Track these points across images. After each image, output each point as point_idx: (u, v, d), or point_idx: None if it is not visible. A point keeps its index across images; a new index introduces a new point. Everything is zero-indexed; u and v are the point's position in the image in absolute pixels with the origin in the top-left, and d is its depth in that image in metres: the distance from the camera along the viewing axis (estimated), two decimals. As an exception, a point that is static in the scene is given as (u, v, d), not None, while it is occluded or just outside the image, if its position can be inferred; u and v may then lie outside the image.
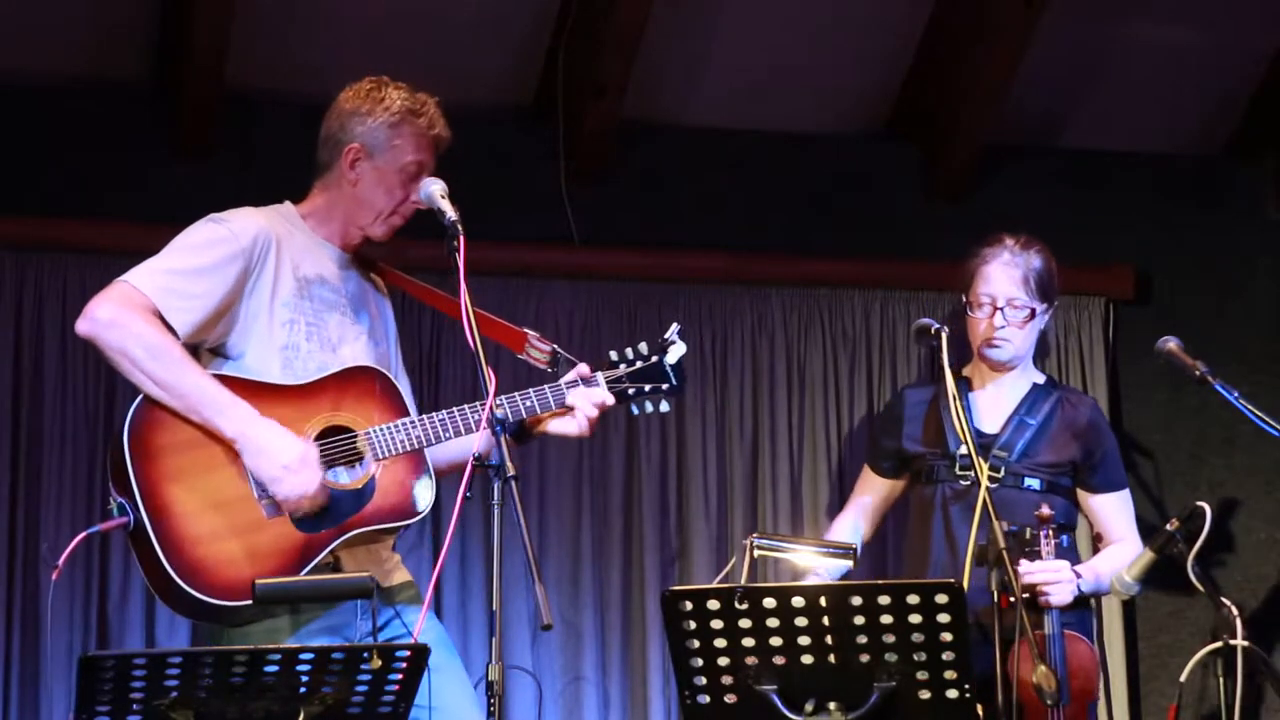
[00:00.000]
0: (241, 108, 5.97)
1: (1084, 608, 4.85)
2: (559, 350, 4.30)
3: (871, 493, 5.15)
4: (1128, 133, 6.62)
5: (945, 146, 6.41)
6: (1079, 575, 4.74)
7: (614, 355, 4.33)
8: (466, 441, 4.11)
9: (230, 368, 4.12)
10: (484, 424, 3.89)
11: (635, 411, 4.34)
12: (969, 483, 4.82)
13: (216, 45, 5.69)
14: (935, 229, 6.47)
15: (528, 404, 4.17)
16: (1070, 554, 4.78)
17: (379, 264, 4.39)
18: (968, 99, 6.26)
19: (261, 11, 5.80)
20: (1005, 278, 4.91)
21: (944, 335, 4.75)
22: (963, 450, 4.82)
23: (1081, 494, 4.98)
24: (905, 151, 6.49)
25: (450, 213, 4.08)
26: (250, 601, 3.86)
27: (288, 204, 4.31)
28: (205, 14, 5.60)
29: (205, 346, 4.14)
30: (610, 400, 4.25)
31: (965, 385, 5.00)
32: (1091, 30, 6.31)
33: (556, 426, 4.25)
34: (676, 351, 4.35)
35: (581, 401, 4.22)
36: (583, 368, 4.26)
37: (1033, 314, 4.91)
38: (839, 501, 6.12)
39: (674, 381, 4.34)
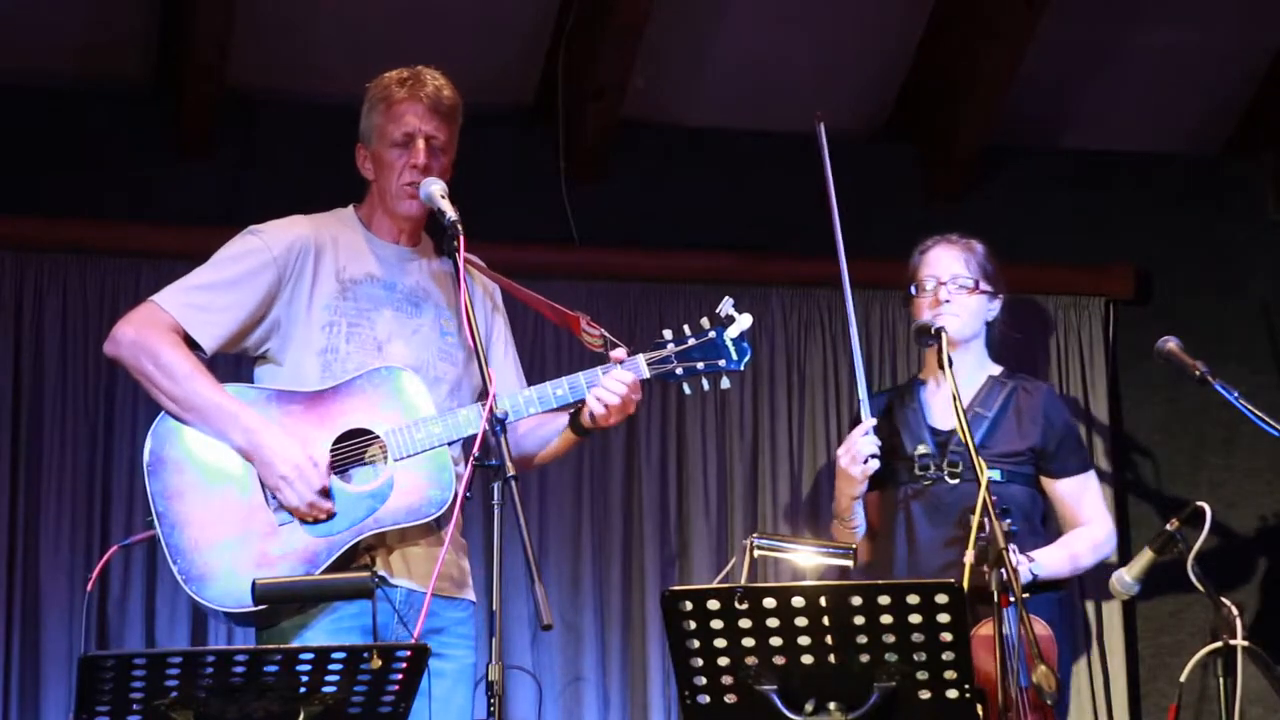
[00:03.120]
0: (241, 108, 5.97)
1: (1050, 591, 4.83)
2: (606, 334, 4.22)
3: (857, 510, 4.99)
4: (1128, 133, 6.62)
5: (945, 146, 6.41)
6: (1031, 559, 4.72)
7: (667, 334, 4.23)
8: (540, 424, 4.21)
9: (272, 374, 4.18)
10: (484, 424, 3.88)
11: (688, 391, 4.22)
12: (929, 482, 4.80)
13: (216, 45, 5.70)
14: (935, 229, 6.46)
15: (559, 392, 4.14)
16: (1018, 539, 4.75)
17: (472, 260, 4.30)
18: (968, 99, 6.26)
19: (261, 11, 5.80)
20: (946, 257, 4.96)
21: (944, 335, 4.76)
22: (920, 450, 4.81)
23: (1046, 482, 4.96)
24: (905, 152, 6.49)
25: (450, 212, 4.08)
26: (264, 607, 3.89)
27: (350, 207, 4.33)
28: (205, 14, 5.60)
29: (250, 354, 4.21)
30: (619, 388, 4.11)
31: (922, 386, 4.99)
32: (1091, 30, 6.31)
33: (595, 419, 4.18)
34: (739, 326, 4.22)
35: (603, 388, 4.13)
36: (617, 353, 4.19)
37: (976, 286, 4.91)
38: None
39: (733, 358, 4.21)
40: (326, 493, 4.01)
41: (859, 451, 4.73)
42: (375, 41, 5.77)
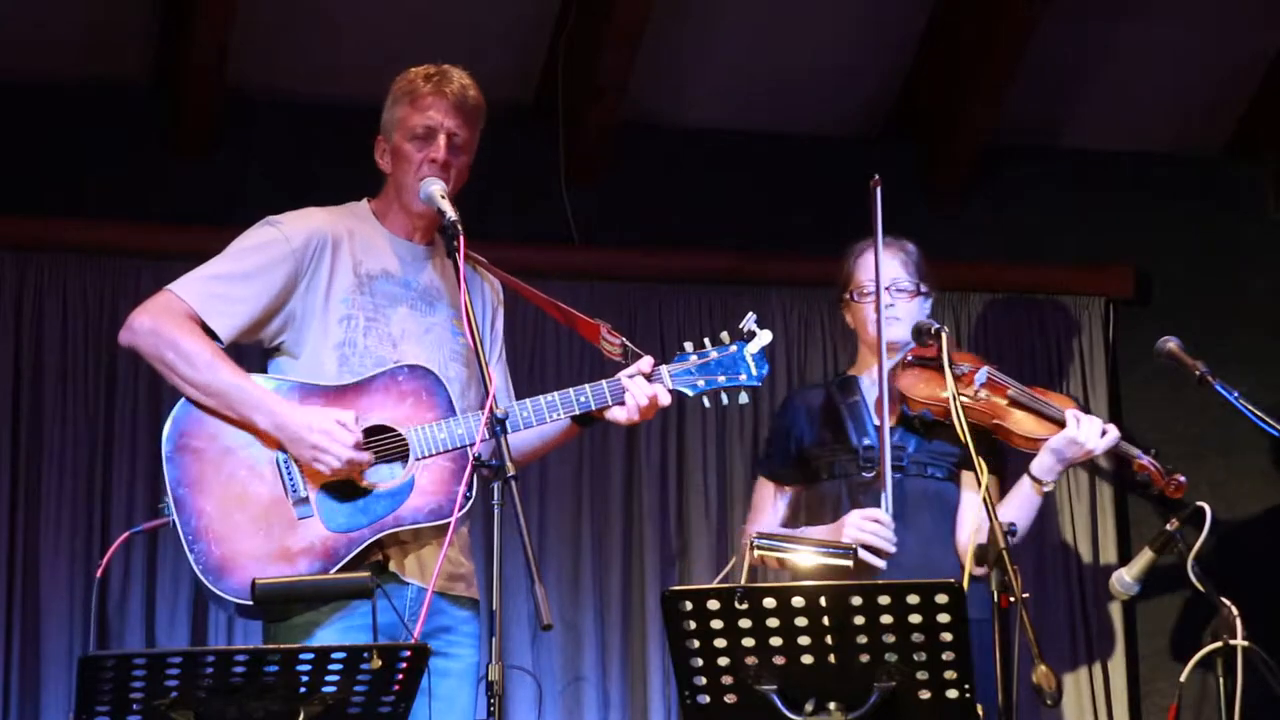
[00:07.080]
0: (241, 108, 5.97)
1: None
2: (628, 344, 4.24)
3: (776, 504, 4.97)
4: (1128, 133, 6.62)
5: (945, 147, 6.41)
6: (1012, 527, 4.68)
7: (688, 346, 4.25)
8: (539, 431, 4.19)
9: (287, 367, 4.17)
10: (484, 425, 3.88)
11: (707, 405, 4.25)
12: (872, 475, 4.75)
13: (216, 45, 5.70)
14: (933, 229, 6.46)
15: (582, 399, 4.16)
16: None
17: (480, 260, 4.34)
18: (968, 99, 6.26)
19: (261, 11, 5.80)
20: (886, 261, 4.86)
21: (944, 335, 4.74)
22: (866, 443, 4.77)
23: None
24: (905, 152, 6.49)
25: (450, 213, 4.08)
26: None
27: (364, 201, 4.33)
28: (205, 14, 5.61)
29: (265, 346, 4.21)
30: (664, 398, 4.17)
31: (857, 383, 4.94)
32: (1091, 30, 6.31)
33: (611, 414, 4.20)
34: (759, 342, 4.24)
35: (633, 390, 4.16)
36: (644, 363, 4.20)
37: (918, 291, 4.88)
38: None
39: (753, 374, 4.23)
40: (361, 447, 4.00)
41: (876, 542, 4.65)
42: (375, 42, 5.77)
